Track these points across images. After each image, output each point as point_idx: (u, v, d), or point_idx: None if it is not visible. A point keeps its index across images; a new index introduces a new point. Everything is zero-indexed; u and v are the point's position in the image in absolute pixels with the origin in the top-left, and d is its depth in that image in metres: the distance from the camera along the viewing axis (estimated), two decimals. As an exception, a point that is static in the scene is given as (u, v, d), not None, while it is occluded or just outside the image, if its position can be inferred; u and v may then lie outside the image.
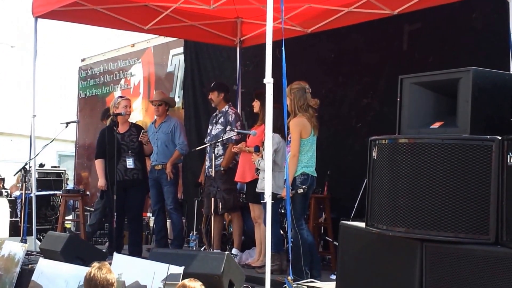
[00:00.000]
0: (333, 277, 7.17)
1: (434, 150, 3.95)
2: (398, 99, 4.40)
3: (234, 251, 8.24)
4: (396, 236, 4.16)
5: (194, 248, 8.91)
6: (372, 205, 4.38)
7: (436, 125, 4.22)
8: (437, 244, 3.95)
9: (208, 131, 8.67)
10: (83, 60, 15.06)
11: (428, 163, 3.97)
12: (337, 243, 8.03)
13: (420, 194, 3.99)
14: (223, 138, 8.19)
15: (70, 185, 14.40)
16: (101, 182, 8.63)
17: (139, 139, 8.53)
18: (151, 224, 10.79)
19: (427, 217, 3.97)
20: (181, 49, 11.62)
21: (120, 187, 8.31)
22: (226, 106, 8.57)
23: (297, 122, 6.84)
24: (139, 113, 12.61)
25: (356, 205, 7.91)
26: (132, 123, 8.88)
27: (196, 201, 9.85)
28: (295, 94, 6.87)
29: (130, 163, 8.50)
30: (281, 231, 7.98)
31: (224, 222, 9.05)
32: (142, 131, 8.71)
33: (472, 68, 4.06)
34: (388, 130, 5.65)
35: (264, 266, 6.98)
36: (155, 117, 9.44)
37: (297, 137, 6.80)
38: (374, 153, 4.36)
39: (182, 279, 5.43)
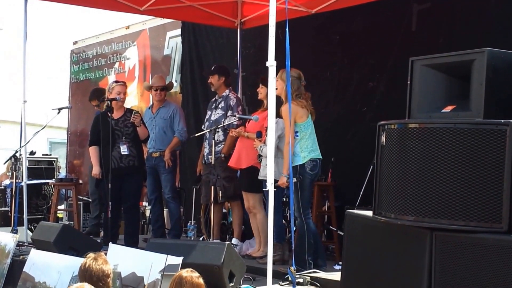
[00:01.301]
0: (337, 267, 7.19)
1: (445, 135, 3.94)
2: (409, 82, 4.39)
3: (234, 241, 8.24)
4: (405, 225, 4.16)
5: (193, 238, 8.93)
6: (380, 193, 4.38)
7: (448, 109, 4.21)
8: (447, 233, 3.94)
9: (207, 117, 8.64)
10: (75, 42, 14.99)
11: (439, 149, 3.96)
12: (341, 233, 8.06)
13: (430, 181, 3.98)
14: (224, 124, 8.17)
15: (62, 173, 14.38)
16: (96, 170, 8.61)
17: (131, 120, 8.44)
18: (147, 213, 10.80)
19: (437, 205, 3.96)
20: (178, 31, 11.60)
21: (115, 175, 8.26)
22: (227, 91, 8.54)
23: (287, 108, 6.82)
24: (134, 98, 12.58)
25: (361, 193, 7.90)
26: (127, 108, 8.82)
27: (194, 189, 9.85)
28: (291, 81, 6.84)
29: (124, 149, 8.41)
30: (283, 220, 7.99)
31: (224, 211, 9.06)
32: (134, 111, 8.61)
33: (486, 49, 4.04)
34: (395, 114, 5.63)
35: (265, 256, 7.00)
36: (151, 102, 9.42)
37: (288, 124, 6.77)
38: (383, 139, 4.34)
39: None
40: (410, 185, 4.07)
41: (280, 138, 7.22)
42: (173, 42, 11.89)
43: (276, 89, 6.36)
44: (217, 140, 8.18)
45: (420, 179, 4.02)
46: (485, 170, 3.87)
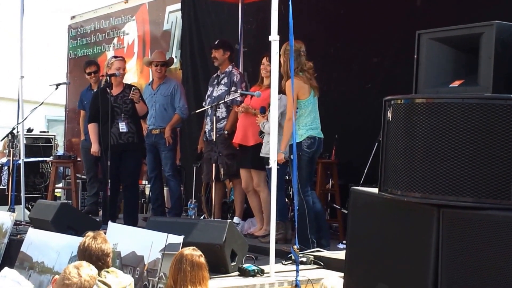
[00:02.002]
0: (341, 246, 7.21)
1: (453, 110, 3.90)
2: (415, 56, 4.34)
3: (235, 219, 8.24)
4: (412, 202, 4.13)
5: (193, 217, 8.94)
6: (386, 169, 4.35)
7: (456, 83, 4.17)
8: (455, 210, 3.91)
9: (209, 93, 8.59)
10: (72, 17, 14.92)
11: (447, 124, 3.92)
12: (345, 211, 8.07)
13: (437, 157, 3.95)
14: (227, 100, 8.13)
15: (60, 151, 14.37)
16: (94, 147, 8.61)
17: (130, 96, 8.40)
18: (147, 192, 10.80)
19: (445, 182, 3.93)
20: (178, 6, 11.52)
21: (114, 152, 8.24)
22: (230, 66, 8.50)
23: (291, 84, 6.79)
24: (133, 74, 12.54)
25: (366, 171, 7.89)
26: (126, 84, 8.78)
27: (194, 167, 9.83)
28: (288, 56, 6.80)
29: (122, 126, 8.38)
30: (286, 199, 7.98)
31: (226, 190, 9.05)
32: (133, 88, 8.57)
33: (495, 22, 3.99)
34: (400, 90, 5.60)
35: (267, 235, 7.02)
36: (151, 78, 9.39)
37: (291, 99, 6.74)
38: (389, 114, 4.30)
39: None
40: (417, 161, 4.04)
41: (282, 115, 7.20)
42: (173, 17, 11.83)
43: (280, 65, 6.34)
44: (220, 116, 8.16)
45: (427, 155, 3.99)
46: (494, 145, 3.83)
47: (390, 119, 4.31)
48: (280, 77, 6.67)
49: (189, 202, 9.28)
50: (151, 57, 9.46)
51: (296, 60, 6.83)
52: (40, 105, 9.05)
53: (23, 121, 9.00)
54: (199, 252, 4.80)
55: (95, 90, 9.36)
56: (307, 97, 6.92)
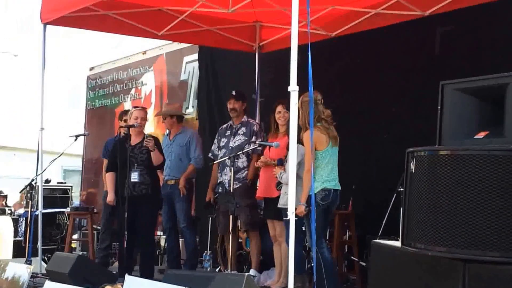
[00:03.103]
0: (360, 299, 7.05)
1: (479, 162, 3.81)
2: (439, 107, 4.27)
3: (252, 272, 8.12)
4: (436, 256, 4.02)
5: (209, 269, 8.79)
6: (409, 222, 4.24)
7: (481, 135, 4.09)
8: (481, 265, 3.82)
9: (222, 144, 8.53)
10: (91, 68, 15.01)
11: (473, 177, 3.83)
12: (363, 263, 7.91)
13: (463, 210, 3.86)
14: (248, 149, 8.08)
15: (76, 201, 14.31)
16: (110, 197, 8.53)
17: (144, 144, 8.34)
18: (162, 243, 10.67)
19: (470, 236, 3.83)
20: (195, 56, 11.55)
21: (129, 203, 8.14)
22: (245, 117, 8.50)
23: (309, 135, 6.70)
24: (150, 124, 12.50)
25: (384, 222, 7.75)
26: (146, 134, 8.69)
27: (210, 218, 9.71)
28: (306, 107, 6.74)
29: (134, 176, 8.29)
30: (303, 251, 7.83)
31: (240, 240, 8.92)
32: (146, 135, 8.51)
33: (521, 72, 3.93)
34: (417, 141, 5.51)
35: None
36: (168, 129, 9.36)
37: (309, 150, 6.66)
38: (412, 166, 4.21)
39: (200, 303, 5.31)
40: (442, 214, 3.93)
41: (299, 165, 7.09)
42: (190, 67, 11.84)
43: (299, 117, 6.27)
44: (240, 166, 8.11)
45: (452, 208, 3.89)
46: (521, 198, 3.73)
47: (413, 171, 4.22)
48: (298, 129, 6.59)
49: (204, 254, 9.13)
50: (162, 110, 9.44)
51: (314, 109, 6.76)
52: (59, 156, 9.00)
53: (42, 172, 8.93)
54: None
55: None
56: (325, 148, 6.82)
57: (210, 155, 8.70)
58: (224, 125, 8.70)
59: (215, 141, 8.74)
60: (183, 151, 9.04)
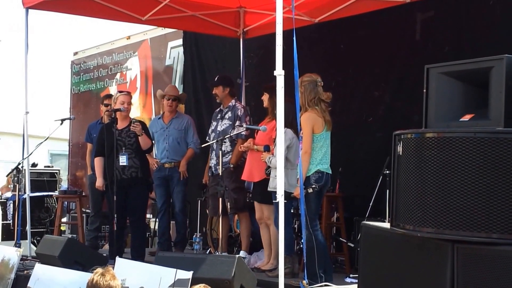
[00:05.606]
0: (348, 280, 7.09)
1: (465, 144, 3.85)
2: (425, 90, 4.29)
3: (242, 253, 8.13)
4: (425, 237, 4.06)
5: (198, 251, 8.82)
6: (398, 204, 4.27)
7: (467, 117, 4.12)
8: (469, 245, 3.85)
9: (212, 128, 8.53)
10: (75, 53, 14.91)
11: (459, 159, 3.86)
12: (351, 244, 7.96)
13: (450, 192, 3.89)
14: (232, 134, 8.06)
15: (64, 185, 14.27)
16: (99, 182, 8.51)
17: (131, 129, 8.31)
18: (152, 225, 10.68)
19: (458, 217, 3.87)
20: (179, 41, 11.51)
21: (118, 187, 8.14)
22: (233, 101, 8.46)
23: (308, 117, 6.72)
24: (137, 109, 12.46)
25: (371, 204, 7.80)
26: (132, 118, 8.66)
27: (199, 201, 9.73)
28: (305, 87, 6.76)
29: (123, 160, 8.26)
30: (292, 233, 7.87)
31: (231, 223, 8.94)
32: (132, 120, 8.46)
33: (505, 56, 3.95)
34: (401, 124, 5.55)
35: (275, 269, 6.91)
36: (154, 112, 9.32)
37: (308, 132, 6.68)
38: (399, 149, 4.24)
39: (191, 284, 5.33)
40: (429, 196, 3.97)
41: (288, 149, 7.12)
42: (174, 52, 11.80)
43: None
44: (225, 150, 8.09)
45: (440, 189, 3.92)
46: (507, 180, 3.78)
47: (401, 154, 4.25)
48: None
49: (194, 236, 9.15)
50: (165, 90, 9.34)
51: (313, 90, 6.79)
52: (45, 140, 8.95)
53: (28, 156, 8.89)
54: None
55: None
56: (320, 132, 6.80)
57: (207, 138, 8.66)
58: (217, 109, 8.69)
59: (211, 124, 8.73)
60: (181, 135, 9.02)
